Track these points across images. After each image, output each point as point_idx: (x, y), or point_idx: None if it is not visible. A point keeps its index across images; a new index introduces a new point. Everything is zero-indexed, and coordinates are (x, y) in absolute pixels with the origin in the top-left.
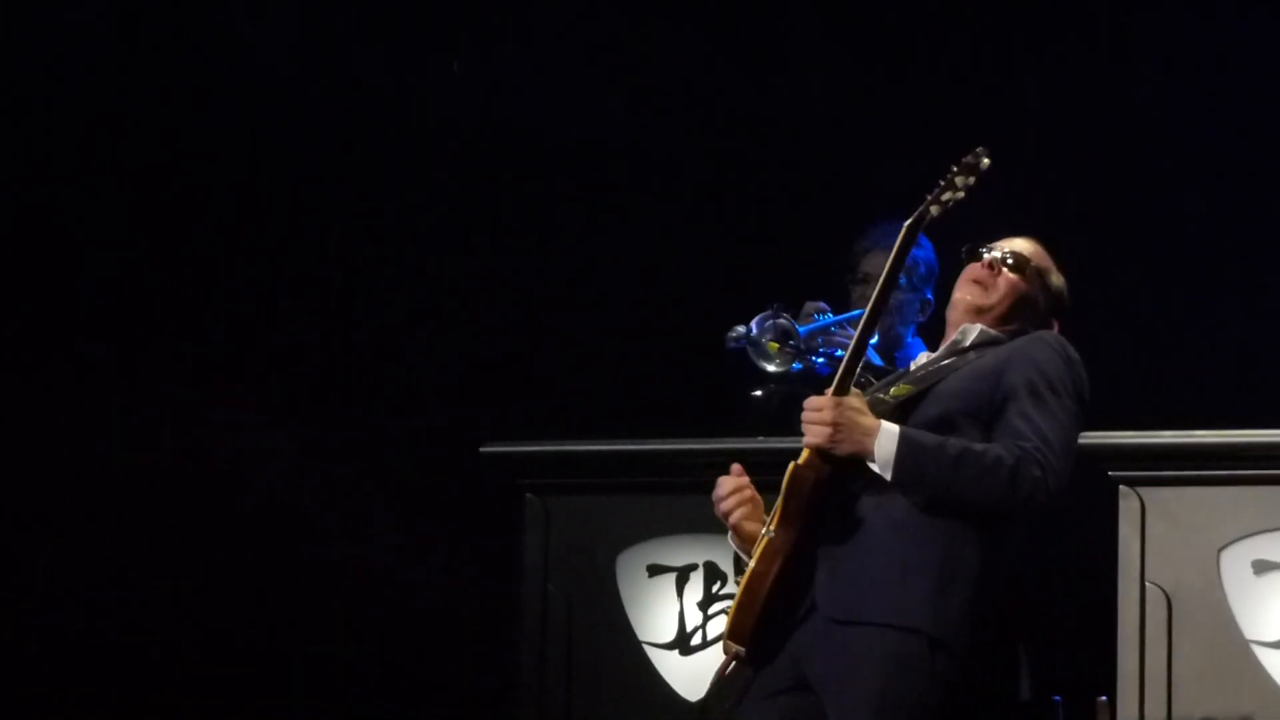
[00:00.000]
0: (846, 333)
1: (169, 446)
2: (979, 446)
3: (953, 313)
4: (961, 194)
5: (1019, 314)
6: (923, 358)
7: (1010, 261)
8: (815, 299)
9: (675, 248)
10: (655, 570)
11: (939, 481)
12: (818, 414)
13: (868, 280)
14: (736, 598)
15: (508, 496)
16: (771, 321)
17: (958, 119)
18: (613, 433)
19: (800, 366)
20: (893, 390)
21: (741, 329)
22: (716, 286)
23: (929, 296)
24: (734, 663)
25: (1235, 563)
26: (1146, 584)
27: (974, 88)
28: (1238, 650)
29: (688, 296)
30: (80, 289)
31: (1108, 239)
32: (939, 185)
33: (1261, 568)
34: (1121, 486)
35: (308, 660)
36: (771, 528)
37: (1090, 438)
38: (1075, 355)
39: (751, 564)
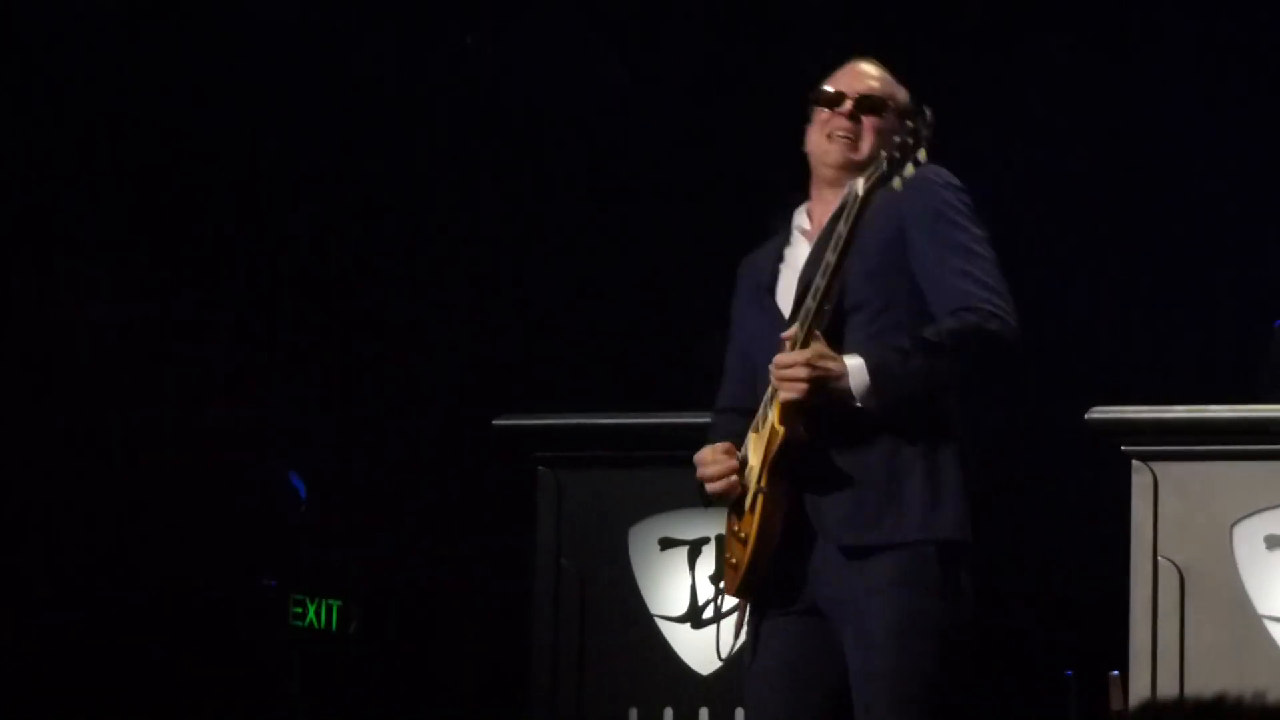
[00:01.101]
0: None
1: (171, 419)
2: (936, 334)
3: (822, 167)
4: (914, 164)
5: (887, 143)
6: (799, 223)
7: (868, 105)
8: None
9: (689, 221)
10: (667, 543)
11: (919, 389)
12: (791, 370)
13: None
14: (745, 556)
15: (521, 470)
16: None
17: (959, 97)
18: (625, 406)
19: None
20: (820, 279)
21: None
22: (730, 260)
23: None
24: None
25: (1248, 538)
26: (1159, 559)
27: (976, 66)
28: (1250, 625)
29: (701, 270)
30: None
31: (1120, 214)
32: (894, 153)
33: (1274, 542)
34: (1134, 461)
35: (316, 630)
36: (763, 484)
37: (1103, 412)
38: (952, 178)
39: (756, 522)
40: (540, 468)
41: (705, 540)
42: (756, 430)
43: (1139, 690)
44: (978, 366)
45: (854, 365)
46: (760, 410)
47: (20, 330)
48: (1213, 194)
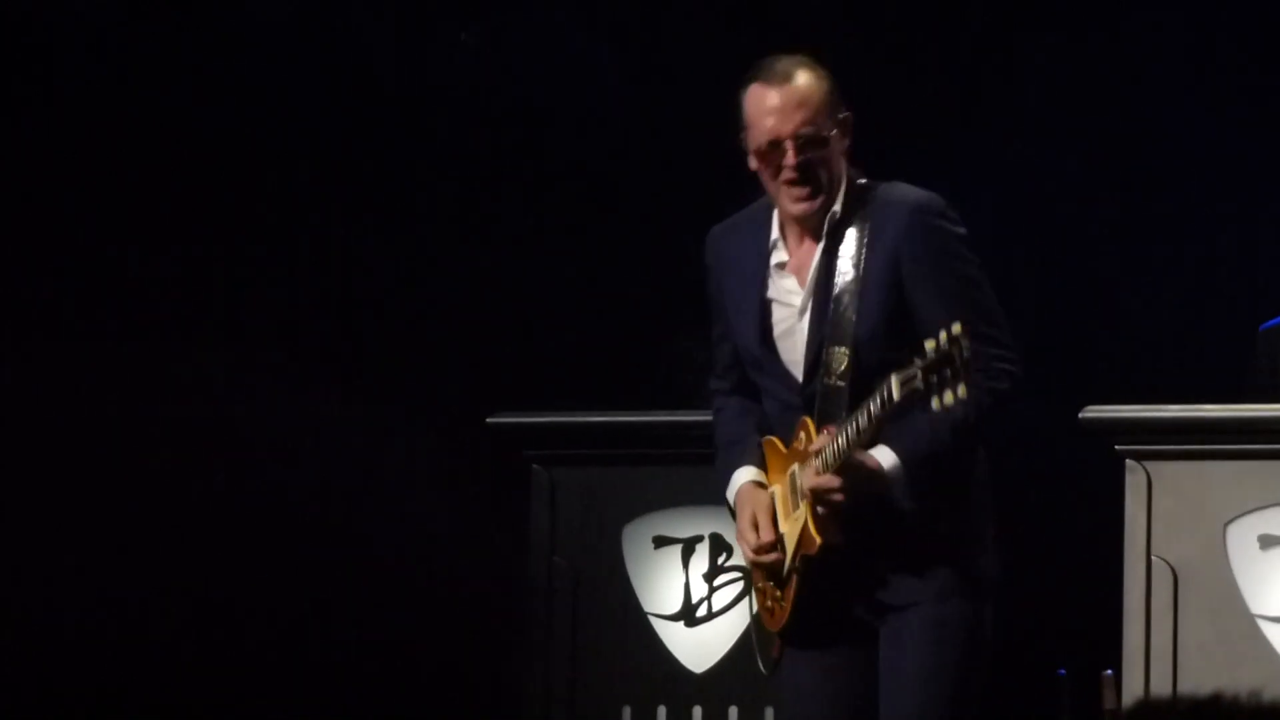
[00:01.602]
0: None
1: (173, 416)
2: (960, 410)
3: (786, 215)
4: (947, 389)
5: (840, 151)
6: (785, 255)
7: (811, 139)
8: None
9: (684, 219)
10: (661, 542)
11: (949, 463)
12: (827, 498)
13: None
14: (785, 616)
15: (514, 468)
16: None
17: (956, 96)
18: (619, 404)
19: None
20: (835, 369)
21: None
22: None
23: None
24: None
25: (1241, 537)
26: (1152, 558)
27: (973, 65)
28: (1243, 624)
29: (696, 269)
30: (82, 257)
31: (1114, 214)
32: (931, 376)
33: (1268, 542)
34: (1128, 460)
35: (311, 629)
36: (797, 565)
37: (1097, 411)
38: (940, 206)
39: (793, 591)
40: (534, 466)
41: (699, 539)
42: (781, 483)
43: (1132, 689)
44: (995, 427)
45: (891, 468)
46: (787, 479)
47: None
48: (1207, 193)
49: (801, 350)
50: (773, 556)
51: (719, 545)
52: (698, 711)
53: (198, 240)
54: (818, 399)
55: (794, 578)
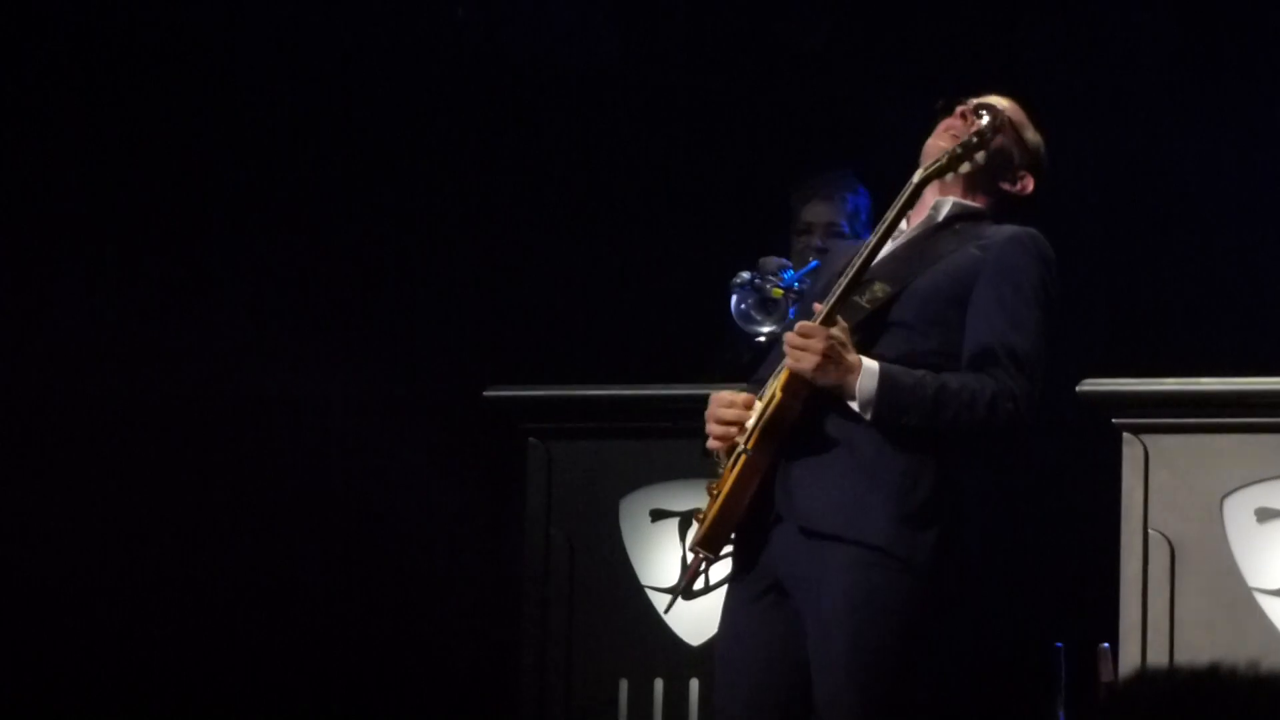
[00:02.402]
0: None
1: (167, 388)
2: (955, 382)
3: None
4: (968, 164)
5: (992, 170)
6: (891, 228)
7: (984, 113)
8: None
9: (682, 191)
10: (658, 515)
11: (916, 418)
12: (806, 340)
13: (810, 230)
14: (712, 510)
15: (511, 440)
16: (761, 272)
17: (952, 66)
18: (617, 377)
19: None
20: (869, 291)
21: (746, 274)
22: (721, 231)
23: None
24: (701, 562)
25: (1239, 510)
26: (1149, 531)
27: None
28: (1240, 598)
29: (692, 241)
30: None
31: (1111, 182)
32: (954, 151)
33: (1265, 515)
34: (1125, 433)
35: (305, 600)
36: (748, 445)
37: (1094, 384)
38: (1051, 254)
39: (730, 479)
40: (531, 439)
41: (696, 512)
42: (761, 399)
43: (1129, 663)
44: (973, 434)
45: (867, 368)
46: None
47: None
48: (1208, 165)
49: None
50: (735, 414)
51: None
52: (694, 684)
53: (191, 210)
54: (835, 302)
55: (740, 460)
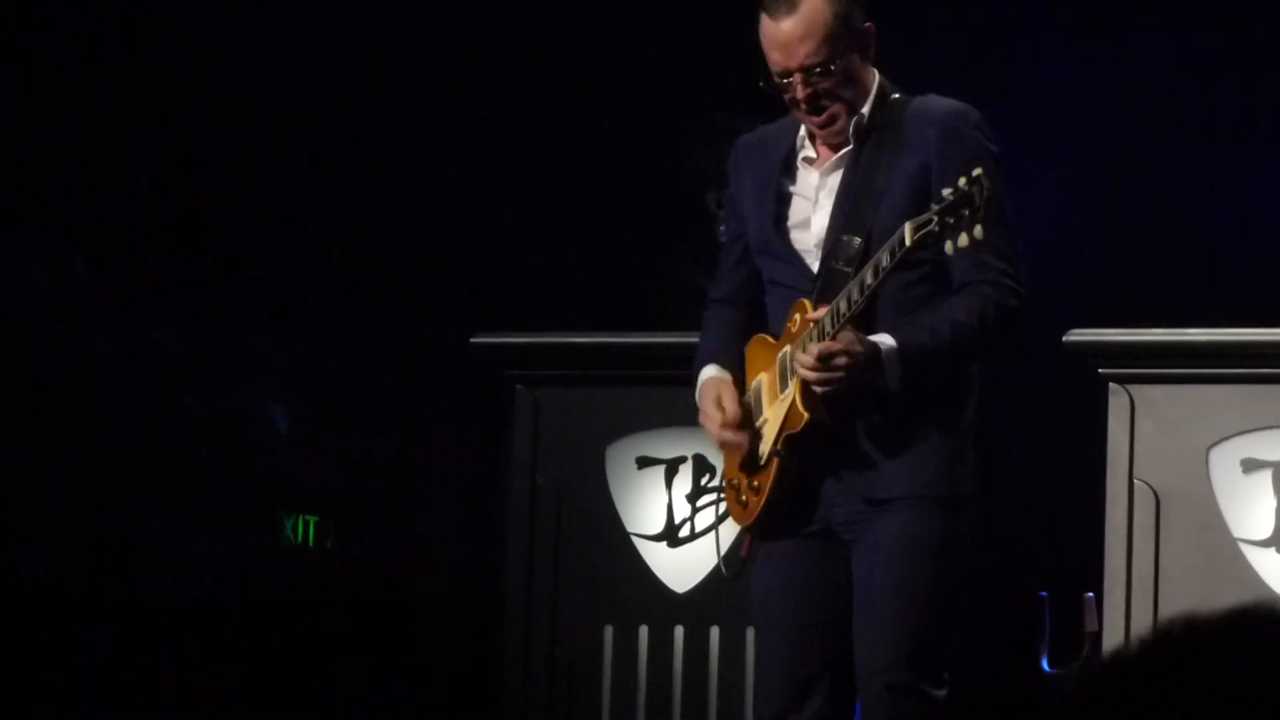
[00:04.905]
0: None
1: (152, 352)
2: (961, 313)
3: (813, 135)
4: (964, 235)
5: (854, 58)
6: (806, 153)
7: (818, 71)
8: None
9: (669, 141)
10: (644, 462)
11: (946, 367)
12: (821, 375)
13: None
14: (758, 503)
15: (497, 388)
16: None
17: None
18: (603, 325)
19: None
20: (844, 255)
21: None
22: (709, 180)
23: None
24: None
25: (1224, 461)
26: (1135, 482)
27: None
28: (1225, 548)
29: (679, 189)
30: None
31: (1098, 134)
32: (947, 218)
33: (1250, 466)
34: (1111, 384)
35: (295, 547)
36: (779, 448)
37: (1080, 335)
38: (978, 116)
39: (771, 479)
40: (517, 386)
41: (682, 459)
42: (770, 372)
43: (1113, 613)
44: (998, 344)
45: (887, 350)
46: (779, 362)
47: None
48: (1195, 118)
49: (817, 239)
50: (739, 436)
51: (702, 466)
52: (679, 631)
53: (169, 169)
54: (820, 282)
55: (774, 462)
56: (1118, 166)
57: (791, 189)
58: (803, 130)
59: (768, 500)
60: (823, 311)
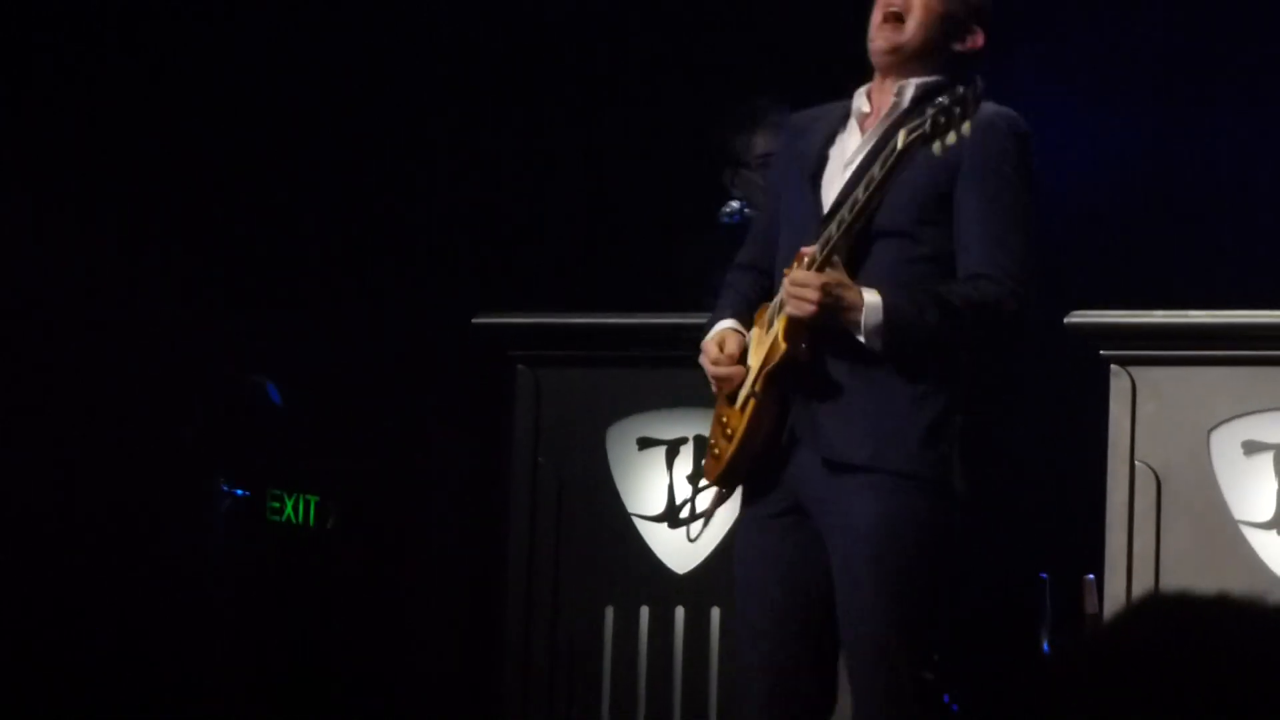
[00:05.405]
0: None
1: (140, 315)
2: (957, 296)
3: (877, 57)
4: (952, 133)
5: (941, 37)
6: (859, 106)
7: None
8: None
9: (672, 121)
10: (645, 443)
11: (924, 341)
12: (804, 290)
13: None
14: (729, 450)
15: (499, 368)
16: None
17: None
18: (605, 306)
19: None
20: (851, 201)
21: (736, 204)
22: (715, 159)
23: None
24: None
25: (1225, 443)
26: (1136, 463)
27: None
28: (1226, 530)
29: (682, 170)
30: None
31: (1103, 115)
32: (936, 110)
33: (1252, 448)
34: (1113, 366)
35: (294, 527)
36: (757, 390)
37: (1082, 316)
38: (1025, 127)
39: (744, 423)
40: (519, 366)
41: (683, 440)
42: (761, 327)
43: (1114, 594)
44: (984, 340)
45: (870, 302)
46: (770, 310)
47: None
48: (1198, 99)
49: (837, 185)
50: (731, 369)
51: (703, 448)
52: (680, 612)
53: (167, 146)
54: (828, 251)
55: (751, 405)
56: (1119, 148)
57: (831, 151)
58: (863, 90)
59: (740, 444)
60: (814, 247)
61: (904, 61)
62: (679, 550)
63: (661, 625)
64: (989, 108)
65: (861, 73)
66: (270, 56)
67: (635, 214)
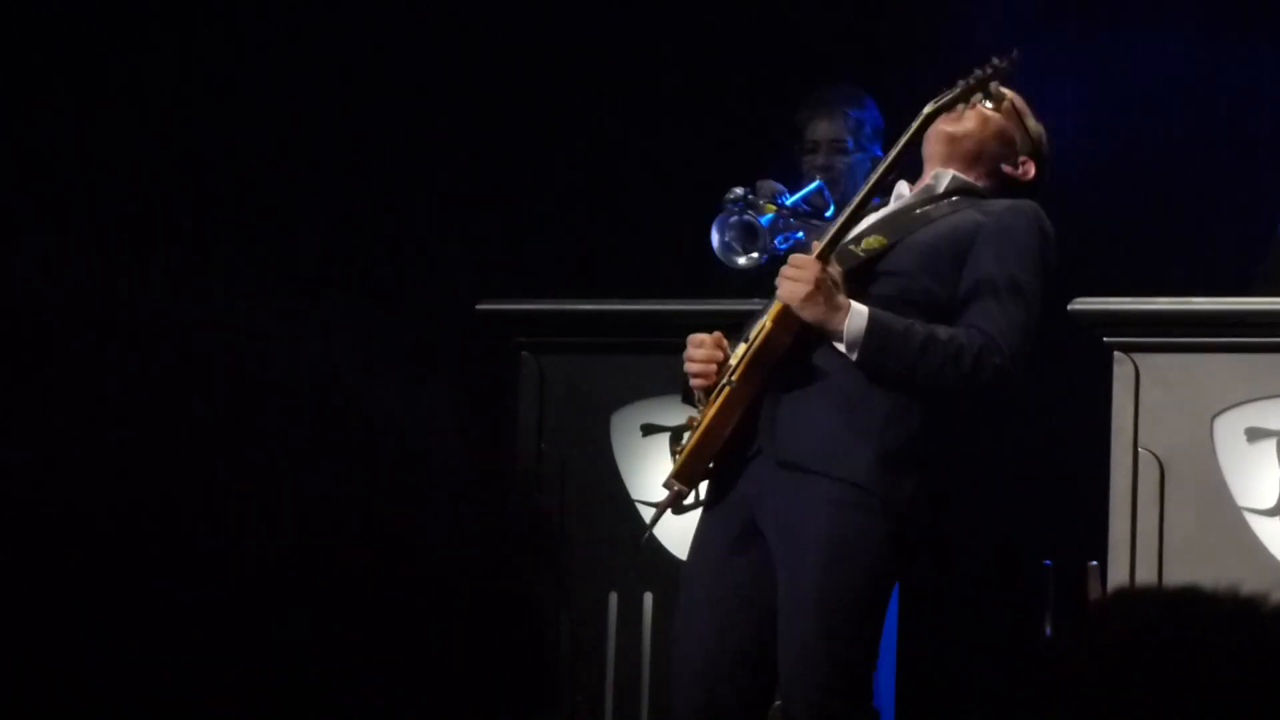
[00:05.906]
0: (802, 209)
1: (141, 314)
2: (944, 333)
3: (927, 145)
4: (982, 95)
5: (994, 150)
6: (900, 191)
7: (986, 93)
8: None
9: (676, 108)
10: (649, 430)
11: (902, 365)
12: (799, 272)
13: (815, 149)
14: (690, 443)
15: (503, 354)
16: (754, 189)
17: None
18: (610, 292)
19: (766, 258)
20: (864, 242)
21: (739, 189)
22: (719, 145)
23: (878, 153)
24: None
25: (1229, 430)
26: (1139, 450)
27: None
28: (1230, 517)
29: (686, 157)
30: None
31: (1105, 104)
32: (967, 80)
33: (1255, 435)
34: (1116, 352)
35: (296, 517)
36: (734, 379)
37: (1085, 303)
38: (1050, 227)
39: (711, 412)
40: (523, 352)
41: (688, 427)
42: (747, 340)
43: (1117, 581)
44: (957, 388)
45: (856, 310)
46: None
47: None
48: (1205, 87)
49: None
50: (705, 352)
51: None
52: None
53: (174, 133)
54: (829, 241)
55: (724, 393)
56: (1122, 135)
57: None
58: (902, 181)
59: (704, 432)
60: (821, 244)
61: (953, 155)
62: (683, 537)
63: (666, 611)
64: (1018, 200)
65: (865, 70)
66: (273, 40)
67: (639, 200)
